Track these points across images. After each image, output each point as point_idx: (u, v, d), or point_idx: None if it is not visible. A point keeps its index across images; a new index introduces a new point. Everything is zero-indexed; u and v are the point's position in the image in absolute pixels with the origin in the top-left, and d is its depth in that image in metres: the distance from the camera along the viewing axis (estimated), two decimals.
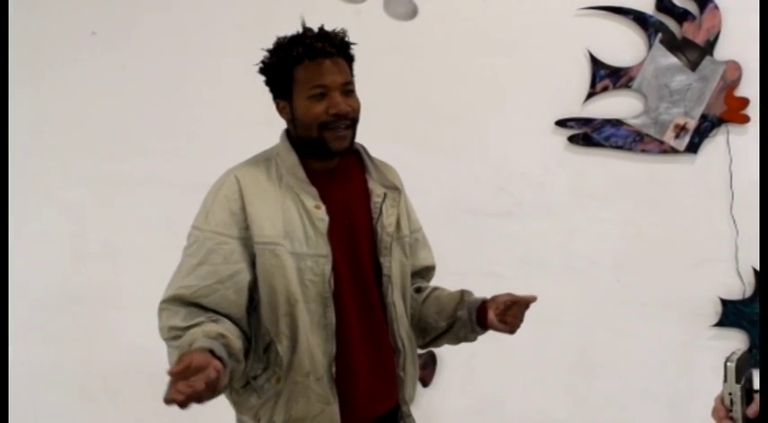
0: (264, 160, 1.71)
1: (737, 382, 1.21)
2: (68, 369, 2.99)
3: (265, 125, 1.76)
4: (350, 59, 1.68)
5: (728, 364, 1.20)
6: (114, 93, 2.89)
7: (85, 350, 2.96)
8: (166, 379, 1.34)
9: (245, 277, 1.63)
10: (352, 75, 1.68)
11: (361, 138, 1.78)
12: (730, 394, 1.21)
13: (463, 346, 1.87)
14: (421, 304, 1.86)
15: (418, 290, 1.90)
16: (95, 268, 2.96)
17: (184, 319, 1.58)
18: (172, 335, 1.58)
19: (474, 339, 1.84)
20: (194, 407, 1.62)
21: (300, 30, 1.65)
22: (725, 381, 1.21)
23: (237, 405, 1.74)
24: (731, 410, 1.21)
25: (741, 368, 1.21)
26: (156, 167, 2.86)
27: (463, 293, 1.83)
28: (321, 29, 1.64)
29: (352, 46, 1.67)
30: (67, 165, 2.95)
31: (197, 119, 2.83)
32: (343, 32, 1.66)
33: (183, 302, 1.61)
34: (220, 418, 1.84)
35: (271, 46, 1.67)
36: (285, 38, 1.65)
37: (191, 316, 1.58)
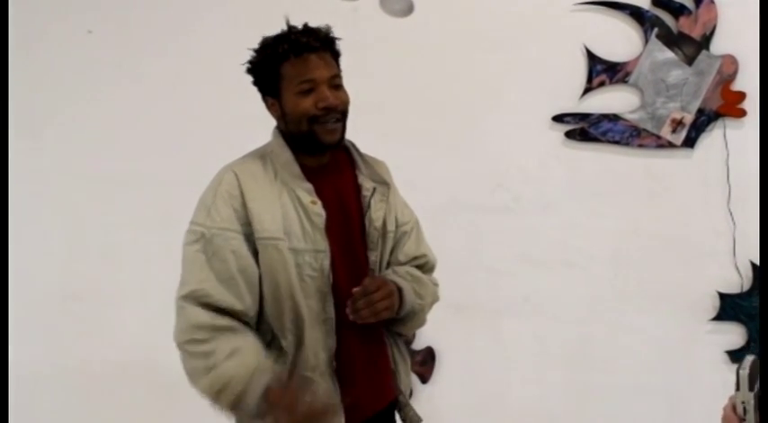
0: (259, 157, 1.71)
1: (750, 389, 1.18)
2: (68, 368, 2.98)
3: (263, 123, 1.76)
4: (336, 54, 1.68)
5: (741, 371, 1.18)
6: (111, 91, 2.88)
7: (85, 349, 2.96)
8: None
9: (255, 271, 1.62)
10: (339, 69, 1.68)
11: (357, 134, 1.78)
12: (743, 402, 1.19)
13: (464, 341, 1.86)
14: None
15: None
16: (94, 267, 2.96)
17: (212, 318, 1.56)
18: (193, 336, 1.55)
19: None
20: (195, 405, 1.62)
21: (285, 28, 1.65)
22: (737, 389, 1.19)
23: None
24: (744, 419, 1.19)
25: (753, 375, 1.19)
26: (154, 166, 2.86)
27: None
28: (305, 26, 1.65)
29: (338, 40, 1.67)
30: (65, 164, 2.94)
31: (194, 117, 2.83)
32: (328, 28, 1.67)
33: (200, 300, 1.58)
34: (222, 416, 1.84)
35: (256, 45, 1.67)
36: (270, 37, 1.66)
37: (213, 318, 1.56)
